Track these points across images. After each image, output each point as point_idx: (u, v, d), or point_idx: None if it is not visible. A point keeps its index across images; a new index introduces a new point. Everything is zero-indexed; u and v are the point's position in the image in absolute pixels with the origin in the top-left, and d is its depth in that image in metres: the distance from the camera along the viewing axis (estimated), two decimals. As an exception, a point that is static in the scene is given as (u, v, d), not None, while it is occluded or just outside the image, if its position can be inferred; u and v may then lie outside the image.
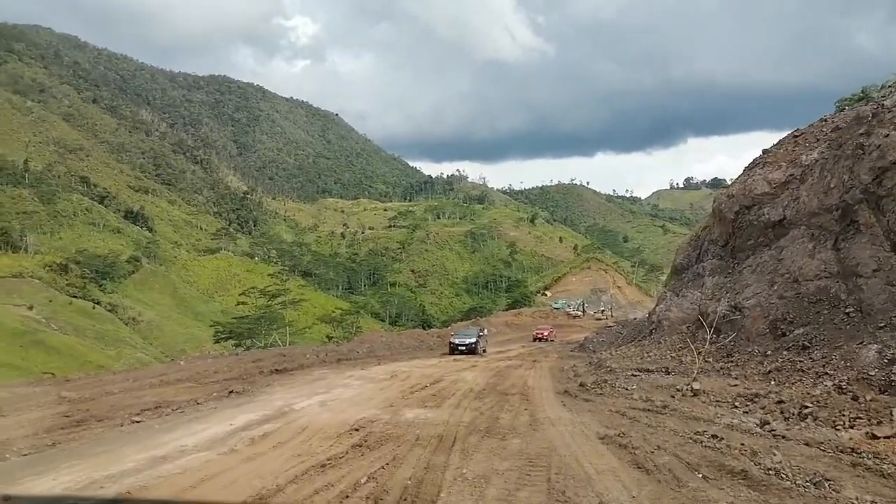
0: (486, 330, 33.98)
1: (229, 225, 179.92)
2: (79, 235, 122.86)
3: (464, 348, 27.39)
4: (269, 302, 48.61)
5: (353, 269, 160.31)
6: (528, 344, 41.24)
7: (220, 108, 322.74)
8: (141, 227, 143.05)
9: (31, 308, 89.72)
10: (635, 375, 14.81)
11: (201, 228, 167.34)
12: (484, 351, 29.03)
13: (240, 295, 64.64)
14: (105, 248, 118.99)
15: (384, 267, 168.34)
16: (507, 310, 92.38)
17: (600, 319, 70.86)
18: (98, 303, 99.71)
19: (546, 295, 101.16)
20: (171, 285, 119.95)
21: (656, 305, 21.76)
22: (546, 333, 45.13)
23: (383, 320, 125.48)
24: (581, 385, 14.44)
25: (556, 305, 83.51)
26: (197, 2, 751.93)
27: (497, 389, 14.00)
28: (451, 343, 28.43)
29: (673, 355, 17.11)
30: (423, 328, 63.91)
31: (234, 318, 51.63)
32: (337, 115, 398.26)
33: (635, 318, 41.28)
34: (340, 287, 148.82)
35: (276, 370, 16.78)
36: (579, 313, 76.03)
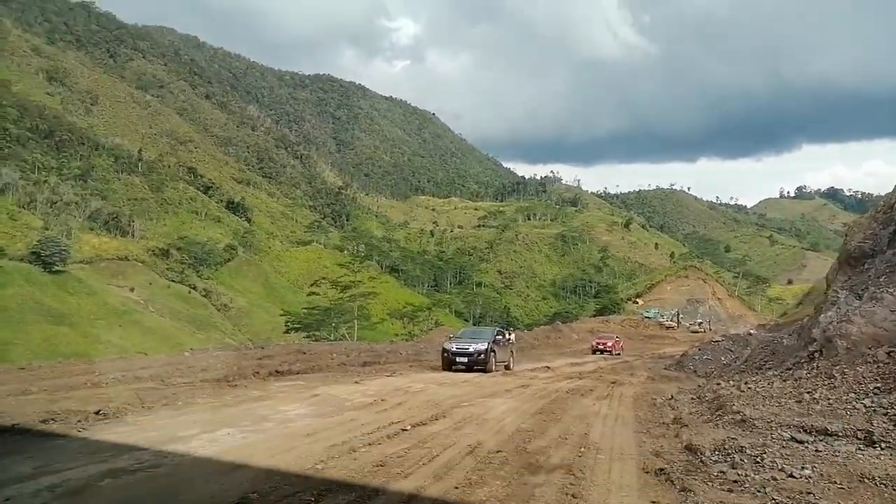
0: (512, 334, 24.27)
1: (323, 218, 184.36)
2: (182, 223, 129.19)
3: (464, 361, 18.66)
4: (341, 294, 47.59)
5: (439, 267, 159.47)
6: (612, 357, 36.33)
7: (322, 105, 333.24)
8: (240, 217, 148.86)
9: (132, 290, 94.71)
10: (800, 442, 8.02)
11: (296, 221, 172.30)
12: (507, 367, 21.01)
13: (310, 285, 64.50)
14: (205, 235, 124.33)
15: (471, 266, 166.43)
16: (594, 316, 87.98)
17: (696, 332, 65.38)
18: (194, 288, 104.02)
19: (637, 303, 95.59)
20: (263, 274, 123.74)
21: (819, 314, 13.26)
22: (610, 345, 37.59)
23: (467, 320, 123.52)
24: (690, 450, 7.88)
25: (647, 314, 78.30)
26: (306, 3, 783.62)
27: (527, 450, 7.90)
28: (444, 352, 19.51)
29: (867, 404, 9.51)
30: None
31: (305, 308, 51.09)
32: (434, 114, 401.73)
33: (746, 332, 35.62)
34: (426, 284, 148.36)
35: (278, 371, 14.41)
36: (673, 324, 70.70)
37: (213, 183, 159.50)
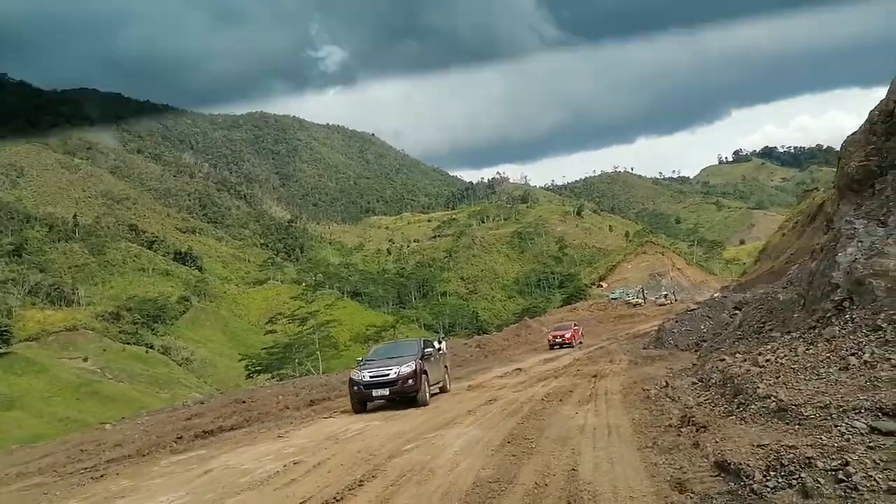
0: (443, 343, 18.80)
1: (276, 255, 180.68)
2: (129, 282, 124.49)
3: (384, 393, 13.49)
4: (300, 327, 45.60)
5: (401, 284, 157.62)
6: (588, 344, 34.50)
7: (259, 143, 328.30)
8: (190, 267, 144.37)
9: (85, 360, 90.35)
10: (888, 434, 5.18)
11: (249, 261, 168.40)
12: (443, 389, 16.16)
13: (266, 323, 62.26)
14: (155, 291, 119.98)
15: (433, 277, 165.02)
16: (561, 306, 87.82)
17: (664, 304, 65.65)
18: (151, 346, 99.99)
19: (602, 286, 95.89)
20: (221, 321, 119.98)
21: (832, 254, 10.86)
22: (568, 336, 33.52)
23: (437, 331, 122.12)
24: (726, 470, 5.47)
25: (613, 296, 78.42)
26: (229, 47, 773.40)
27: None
28: (352, 384, 13.92)
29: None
30: (479, 334, 60.07)
31: (264, 348, 48.93)
32: (373, 135, 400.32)
33: (713, 297, 34.82)
34: (391, 303, 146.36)
35: (205, 432, 12.08)
36: (640, 301, 70.83)
37: (156, 237, 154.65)
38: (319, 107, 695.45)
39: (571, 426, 9.22)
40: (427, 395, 13.86)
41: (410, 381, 13.41)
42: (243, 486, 7.45)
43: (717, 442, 6.37)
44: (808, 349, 8.91)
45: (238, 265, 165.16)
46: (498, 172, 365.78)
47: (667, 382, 11.75)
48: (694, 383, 10.79)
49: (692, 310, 25.67)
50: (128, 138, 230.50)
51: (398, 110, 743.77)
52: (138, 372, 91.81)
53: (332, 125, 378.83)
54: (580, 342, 34.52)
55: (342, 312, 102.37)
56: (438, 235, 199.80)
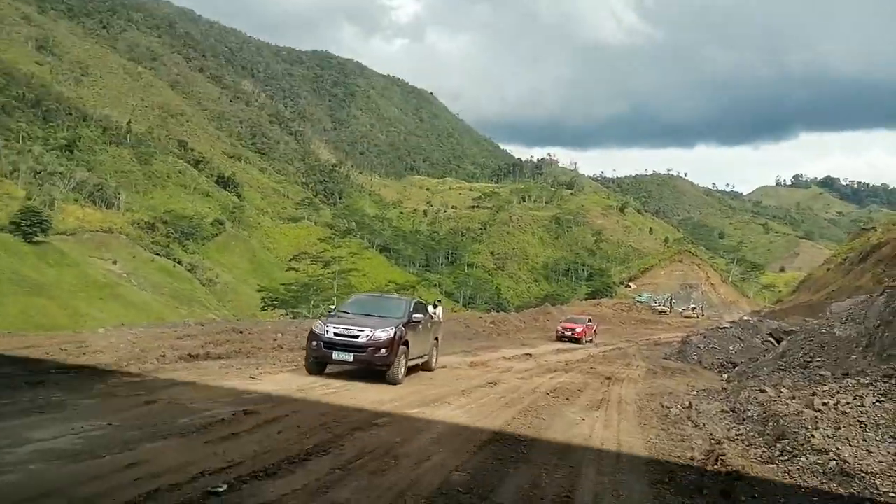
0: (438, 308, 18.78)
1: (315, 196, 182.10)
2: (170, 196, 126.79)
3: (347, 357, 10.93)
4: (322, 269, 45.54)
5: (431, 247, 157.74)
6: (605, 342, 32.97)
7: (319, 82, 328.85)
8: (230, 192, 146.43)
9: (115, 263, 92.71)
10: None
11: (287, 197, 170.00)
12: (426, 367, 13.50)
13: (290, 260, 62.49)
14: (193, 210, 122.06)
15: (463, 247, 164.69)
16: (585, 299, 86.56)
17: (689, 317, 64.08)
18: (179, 262, 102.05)
19: (630, 287, 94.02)
20: (250, 250, 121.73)
21: None
22: (579, 331, 31.09)
23: (457, 301, 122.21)
24: None
25: (640, 299, 76.78)
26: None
27: None
28: (312, 338, 11.29)
29: None
30: (497, 311, 59.58)
31: (283, 284, 49.14)
32: (432, 94, 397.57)
33: (742, 318, 33.26)
34: (418, 264, 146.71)
35: (190, 355, 11.22)
36: (666, 309, 69.26)
37: (203, 157, 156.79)
38: (383, 57, 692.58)
39: (575, 435, 8.07)
40: (401, 372, 11.17)
41: (383, 350, 10.72)
42: (176, 429, 6.40)
43: (755, 498, 5.19)
44: (879, 401, 7.56)
45: (276, 199, 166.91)
46: (548, 154, 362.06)
47: (690, 403, 10.64)
48: (724, 411, 9.63)
49: (723, 328, 23.99)
50: (192, 55, 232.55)
51: (460, 73, 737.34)
52: (163, 284, 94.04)
53: (393, 77, 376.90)
54: (591, 340, 32.42)
55: (366, 263, 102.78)
56: (477, 206, 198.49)
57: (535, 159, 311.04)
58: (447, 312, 31.48)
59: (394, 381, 10.98)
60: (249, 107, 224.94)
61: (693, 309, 70.85)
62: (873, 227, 70.32)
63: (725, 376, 16.19)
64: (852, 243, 68.17)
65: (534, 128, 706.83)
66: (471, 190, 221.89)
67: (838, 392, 8.15)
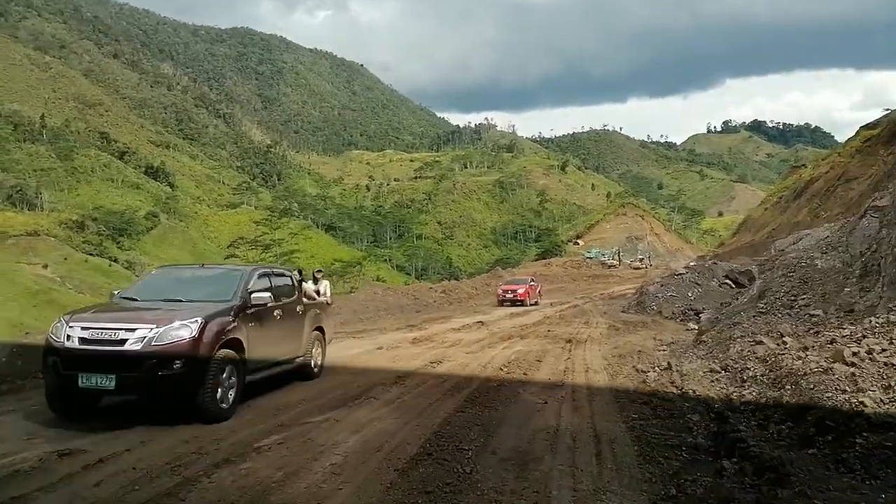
0: (321, 285, 12.75)
1: (253, 179, 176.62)
2: (97, 192, 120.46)
3: (102, 383, 5.85)
4: (263, 254, 43.63)
5: (378, 222, 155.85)
6: (560, 301, 31.69)
7: (243, 61, 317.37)
8: (161, 183, 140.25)
9: (45, 267, 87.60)
10: None
11: (223, 183, 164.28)
12: (302, 370, 8.74)
13: (228, 247, 60.20)
14: (123, 204, 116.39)
15: (410, 219, 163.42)
16: (536, 260, 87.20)
17: (638, 268, 65.19)
18: (115, 260, 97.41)
19: (578, 244, 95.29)
20: (190, 241, 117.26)
21: None
22: (521, 292, 29.34)
23: (409, 274, 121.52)
24: None
25: (588, 255, 77.72)
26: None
27: None
28: (48, 352, 6.15)
29: None
30: (449, 280, 59.05)
31: (223, 272, 47.27)
32: (362, 65, 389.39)
33: (691, 264, 33.22)
34: (365, 240, 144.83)
35: None
36: (615, 262, 70.26)
37: (128, 148, 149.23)
38: (308, 30, 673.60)
39: (537, 428, 6.16)
40: (228, 398, 6.48)
41: (177, 363, 5.99)
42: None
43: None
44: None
45: (212, 186, 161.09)
46: (486, 118, 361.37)
47: (669, 364, 9.17)
48: (714, 371, 8.09)
49: (678, 275, 23.26)
50: (104, 41, 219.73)
51: (389, 43, 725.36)
52: (100, 284, 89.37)
53: (321, 50, 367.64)
54: (535, 302, 30.51)
55: (309, 243, 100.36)
56: (420, 177, 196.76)
57: (473, 125, 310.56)
58: (383, 291, 29.53)
59: (213, 416, 6.23)
60: (172, 91, 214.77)
61: (641, 260, 72.13)
62: (803, 165, 72.84)
63: (692, 325, 15.58)
64: (785, 182, 70.44)
65: (468, 93, 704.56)
66: (412, 161, 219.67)
67: (864, 336, 6.57)
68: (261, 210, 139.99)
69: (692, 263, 35.05)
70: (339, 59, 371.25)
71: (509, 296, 29.24)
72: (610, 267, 68.25)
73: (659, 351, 11.57)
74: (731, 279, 20.70)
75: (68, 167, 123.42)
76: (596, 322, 18.95)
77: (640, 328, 16.41)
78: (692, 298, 19.88)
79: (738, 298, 14.47)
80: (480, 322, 18.79)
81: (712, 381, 7.71)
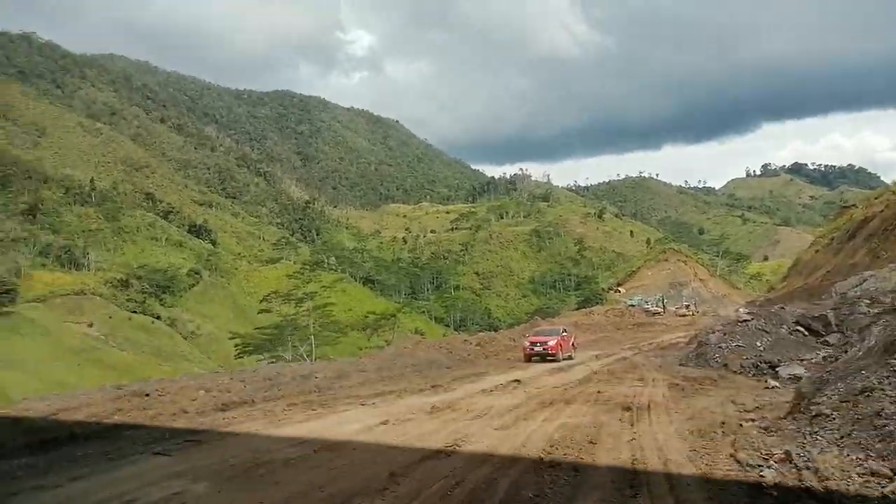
0: None
1: (292, 235, 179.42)
2: (141, 251, 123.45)
3: None
4: (297, 307, 43.21)
5: (415, 274, 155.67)
6: (605, 352, 28.57)
7: (283, 121, 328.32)
8: (203, 240, 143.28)
9: (90, 325, 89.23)
10: None
11: (263, 239, 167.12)
12: None
13: (260, 301, 60.07)
14: (166, 262, 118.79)
15: (447, 270, 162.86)
16: (576, 309, 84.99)
17: (685, 315, 62.60)
18: (158, 317, 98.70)
19: (619, 291, 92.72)
20: (230, 297, 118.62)
21: None
22: (551, 345, 24.77)
23: (448, 325, 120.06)
24: None
25: (631, 302, 75.28)
26: (259, 22, 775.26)
27: None
28: None
29: None
30: (490, 331, 57.62)
31: (256, 328, 46.79)
32: (397, 121, 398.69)
33: (773, 310, 30.39)
34: (403, 292, 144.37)
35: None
36: (659, 310, 67.74)
37: (172, 207, 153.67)
38: (345, 90, 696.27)
39: None
40: None
41: None
42: None
43: None
44: None
45: (252, 242, 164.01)
46: (520, 169, 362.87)
47: (787, 453, 6.72)
48: (866, 467, 5.81)
49: (743, 321, 20.51)
50: (152, 107, 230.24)
51: (423, 99, 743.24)
52: (143, 342, 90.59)
53: (357, 109, 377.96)
54: (569, 356, 26.34)
55: (344, 295, 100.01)
56: (456, 228, 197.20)
57: (507, 175, 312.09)
58: (421, 343, 27.72)
59: None
60: (215, 152, 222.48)
61: (687, 306, 69.49)
62: (853, 205, 70.02)
63: (772, 382, 13.42)
64: (836, 223, 67.48)
65: (502, 145, 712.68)
66: (447, 212, 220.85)
67: None
68: (300, 264, 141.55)
69: (750, 310, 32.88)
70: (375, 116, 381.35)
71: (538, 349, 24.93)
72: (654, 314, 65.80)
73: (749, 423, 9.15)
74: (802, 326, 18.34)
75: (115, 227, 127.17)
76: (652, 379, 16.83)
77: (708, 387, 14.13)
78: (762, 348, 17.47)
79: (849, 350, 12.20)
80: (516, 381, 16.66)
81: (880, 486, 5.39)
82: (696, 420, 9.80)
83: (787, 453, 6.78)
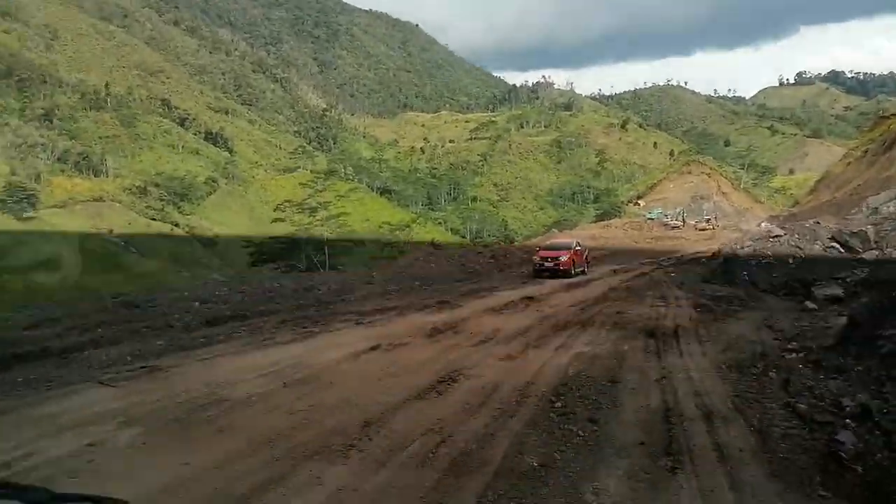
0: None
1: (309, 143, 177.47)
2: (158, 158, 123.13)
3: None
4: (310, 217, 42.75)
5: (432, 185, 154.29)
6: (623, 267, 27.24)
7: (299, 24, 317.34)
8: (220, 148, 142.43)
9: (111, 231, 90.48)
10: None
11: (280, 147, 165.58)
12: None
13: (274, 210, 59.68)
14: (183, 169, 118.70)
15: (465, 181, 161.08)
16: (595, 222, 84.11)
17: (705, 229, 61.46)
18: (176, 224, 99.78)
19: (639, 205, 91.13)
20: (248, 205, 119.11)
21: None
22: (564, 261, 23.15)
23: (464, 236, 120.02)
24: None
25: (650, 215, 74.07)
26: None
27: None
28: None
29: None
30: (506, 243, 57.15)
31: (270, 237, 46.75)
32: (417, 26, 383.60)
33: (807, 225, 28.75)
34: (420, 203, 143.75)
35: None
36: (679, 223, 66.59)
37: (188, 114, 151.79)
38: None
39: None
40: None
41: None
42: None
43: None
44: None
45: (269, 150, 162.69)
46: (543, 76, 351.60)
47: (865, 408, 5.28)
48: None
49: (775, 236, 18.91)
50: (164, 8, 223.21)
51: (444, 2, 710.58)
52: (162, 249, 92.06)
53: (376, 12, 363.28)
54: (582, 270, 24.70)
55: (359, 205, 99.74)
56: (475, 138, 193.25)
57: (530, 83, 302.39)
58: (431, 254, 26.87)
59: None
60: (230, 57, 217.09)
61: (708, 220, 68.16)
62: (893, 115, 66.38)
63: (809, 304, 12.01)
64: (871, 134, 64.42)
65: (525, 51, 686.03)
66: (467, 122, 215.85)
67: None
68: (316, 173, 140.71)
69: (781, 225, 31.54)
70: (395, 19, 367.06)
71: (549, 264, 23.10)
72: (673, 228, 64.77)
73: (792, 355, 7.81)
74: (838, 242, 17.11)
75: (131, 134, 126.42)
76: (675, 297, 15.21)
77: (738, 308, 12.70)
78: (794, 266, 16.33)
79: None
80: (529, 298, 15.26)
81: None
82: (732, 351, 8.52)
83: (865, 407, 5.29)
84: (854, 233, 16.84)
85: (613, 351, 8.78)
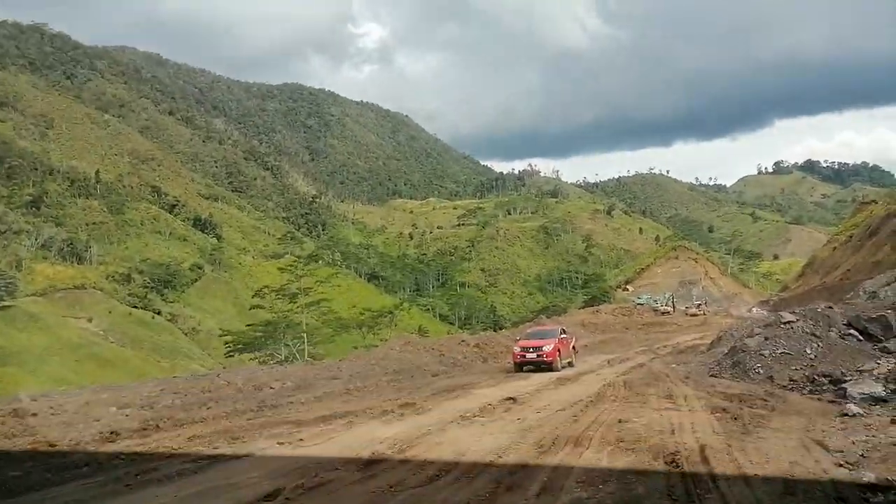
0: None
1: (298, 229, 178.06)
2: (145, 244, 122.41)
3: None
4: (290, 304, 41.43)
5: (420, 270, 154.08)
6: (617, 356, 25.71)
7: (293, 115, 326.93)
8: (208, 234, 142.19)
9: (90, 320, 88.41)
10: None
11: (269, 233, 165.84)
12: None
13: (252, 297, 58.35)
14: (169, 256, 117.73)
15: (453, 267, 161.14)
16: (583, 307, 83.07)
17: (696, 315, 60.40)
18: (158, 312, 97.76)
19: (628, 290, 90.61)
20: (233, 292, 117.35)
21: None
22: (548, 350, 20.73)
23: (452, 323, 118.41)
24: None
25: (639, 301, 73.14)
26: (270, 14, 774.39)
27: None
28: None
29: None
30: (494, 330, 55.74)
31: (248, 325, 45.12)
32: (406, 116, 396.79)
33: (819, 310, 26.75)
34: (408, 289, 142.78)
35: None
36: (669, 309, 65.56)
37: (178, 200, 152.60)
38: (355, 84, 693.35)
39: None
40: None
41: None
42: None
43: None
44: None
45: (257, 236, 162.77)
46: (529, 164, 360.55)
47: None
48: None
49: (786, 322, 17.18)
50: (161, 99, 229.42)
51: (433, 93, 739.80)
52: (142, 337, 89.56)
53: (366, 102, 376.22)
54: (569, 361, 22.48)
55: (343, 292, 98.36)
56: (463, 224, 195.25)
57: (516, 171, 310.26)
58: (414, 343, 24.86)
59: None
60: (223, 145, 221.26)
61: (698, 305, 67.29)
62: (873, 201, 67.34)
63: (852, 406, 10.23)
64: (854, 219, 65.35)
65: (511, 140, 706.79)
66: (455, 208, 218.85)
67: None
68: (304, 259, 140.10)
69: (794, 310, 30.35)
70: (385, 110, 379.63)
71: (531, 355, 20.52)
72: (664, 313, 63.75)
73: (878, 496, 5.84)
74: (856, 328, 15.76)
75: (119, 220, 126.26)
76: (684, 396, 13.12)
77: (764, 413, 10.64)
78: (812, 356, 14.53)
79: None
80: (510, 400, 13.27)
81: None
82: (795, 496, 5.98)
83: None
84: (873, 318, 15.46)
85: (625, 498, 6.16)
